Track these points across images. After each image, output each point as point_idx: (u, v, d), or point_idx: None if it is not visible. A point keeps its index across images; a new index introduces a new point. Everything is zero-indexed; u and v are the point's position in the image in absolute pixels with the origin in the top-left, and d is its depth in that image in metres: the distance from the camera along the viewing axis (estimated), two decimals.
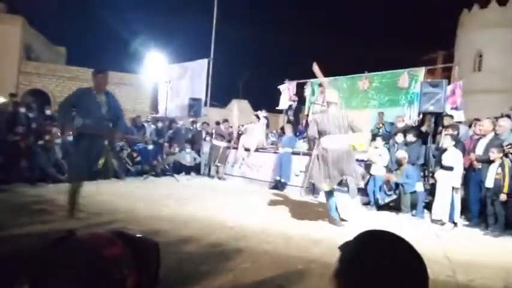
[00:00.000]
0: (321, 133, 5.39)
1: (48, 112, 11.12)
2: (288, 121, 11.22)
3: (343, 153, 5.27)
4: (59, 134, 8.85)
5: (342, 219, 5.62)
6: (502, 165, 5.83)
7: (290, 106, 11.78)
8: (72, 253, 0.71)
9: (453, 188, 6.31)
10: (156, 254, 0.85)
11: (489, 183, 5.94)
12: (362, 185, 6.18)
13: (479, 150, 6.38)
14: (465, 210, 6.69)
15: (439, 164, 6.59)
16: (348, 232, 4.53)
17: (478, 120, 7.52)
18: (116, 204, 6.10)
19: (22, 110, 9.93)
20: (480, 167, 6.27)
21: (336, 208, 5.61)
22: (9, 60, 17.99)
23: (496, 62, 20.81)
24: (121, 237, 0.80)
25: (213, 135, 11.12)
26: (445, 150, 6.52)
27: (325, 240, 4.72)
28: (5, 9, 19.97)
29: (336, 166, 5.29)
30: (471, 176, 6.49)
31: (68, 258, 0.70)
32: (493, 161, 5.96)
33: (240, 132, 10.97)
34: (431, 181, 7.23)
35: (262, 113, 11.43)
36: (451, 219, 6.27)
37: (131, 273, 0.75)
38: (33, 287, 0.68)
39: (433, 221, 6.40)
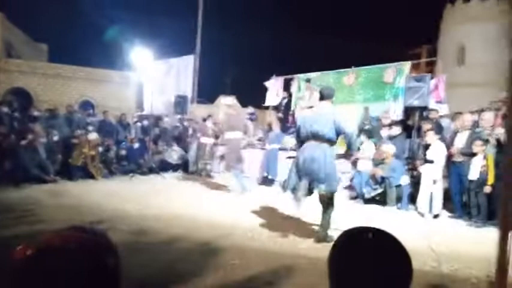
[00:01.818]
0: None
1: (35, 113, 10.74)
2: (279, 117, 11.26)
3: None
4: (42, 133, 8.70)
5: None
6: (485, 158, 5.96)
7: (281, 102, 11.82)
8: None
9: (433, 180, 6.43)
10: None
11: (473, 175, 6.07)
12: None
13: (460, 143, 6.52)
14: (449, 202, 6.84)
15: (423, 158, 6.71)
16: (334, 227, 4.58)
17: (460, 113, 7.67)
18: (103, 204, 6.05)
19: (4, 109, 9.69)
20: (461, 160, 6.41)
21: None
22: None
23: (479, 55, 21.16)
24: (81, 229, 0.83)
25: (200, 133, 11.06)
26: (429, 145, 6.63)
27: (312, 235, 4.77)
28: None
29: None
30: (452, 169, 6.63)
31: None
32: (475, 154, 6.09)
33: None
34: (415, 174, 7.35)
35: (248, 110, 11.42)
36: (431, 211, 6.39)
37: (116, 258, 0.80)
38: None
39: (418, 213, 6.52)
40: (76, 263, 0.72)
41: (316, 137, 4.60)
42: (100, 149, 9.16)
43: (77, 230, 0.80)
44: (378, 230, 0.85)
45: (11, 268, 0.72)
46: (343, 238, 0.85)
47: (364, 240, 0.82)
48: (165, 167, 10.56)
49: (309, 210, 6.26)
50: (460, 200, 6.51)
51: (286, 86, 12.25)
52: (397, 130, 7.59)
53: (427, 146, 6.72)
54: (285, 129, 10.60)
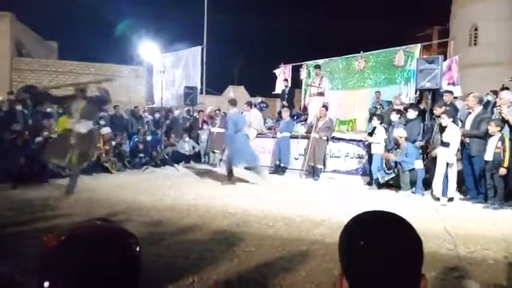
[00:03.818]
0: None
1: (48, 110, 10.93)
2: (283, 105, 11.23)
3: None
4: (56, 129, 8.83)
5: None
6: (501, 139, 5.82)
7: (283, 90, 11.79)
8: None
9: (447, 163, 6.34)
10: None
11: (488, 156, 5.95)
12: None
13: (468, 125, 6.41)
14: (462, 185, 6.75)
15: (438, 141, 6.61)
16: (348, 213, 4.57)
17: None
18: (118, 197, 6.14)
19: (18, 107, 9.85)
20: (468, 141, 6.30)
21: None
22: (1, 57, 17.77)
23: (492, 34, 20.62)
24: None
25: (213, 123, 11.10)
26: (445, 127, 6.52)
27: (325, 221, 4.78)
28: None
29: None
30: (464, 151, 6.54)
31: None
32: (491, 135, 5.96)
33: None
34: (430, 158, 7.25)
35: (257, 100, 11.40)
36: (445, 194, 6.32)
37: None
38: None
39: (432, 196, 6.45)
40: (104, 249, 0.75)
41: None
42: (113, 143, 9.26)
43: (99, 220, 0.84)
44: (389, 213, 0.84)
45: (42, 257, 0.74)
46: (354, 222, 0.84)
47: (375, 224, 0.81)
48: (177, 158, 10.65)
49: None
50: (472, 182, 6.43)
51: (295, 74, 12.19)
52: (412, 114, 7.44)
53: (442, 129, 6.61)
54: (292, 116, 10.55)
